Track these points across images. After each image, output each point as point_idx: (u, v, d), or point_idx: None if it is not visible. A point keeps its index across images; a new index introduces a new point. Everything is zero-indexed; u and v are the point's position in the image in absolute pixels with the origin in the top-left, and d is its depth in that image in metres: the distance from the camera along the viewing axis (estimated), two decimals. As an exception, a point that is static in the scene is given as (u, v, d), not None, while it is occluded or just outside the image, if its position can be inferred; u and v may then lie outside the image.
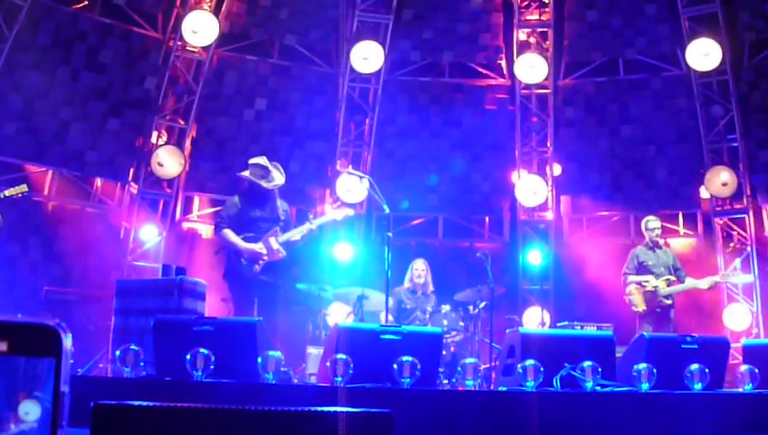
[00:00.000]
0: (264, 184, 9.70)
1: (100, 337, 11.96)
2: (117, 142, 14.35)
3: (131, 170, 14.56)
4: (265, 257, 9.55)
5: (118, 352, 7.12)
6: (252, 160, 9.90)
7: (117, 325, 9.62)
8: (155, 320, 7.63)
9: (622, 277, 12.13)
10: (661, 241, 12.57)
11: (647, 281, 11.86)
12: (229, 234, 9.63)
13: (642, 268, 12.00)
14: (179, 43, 14.80)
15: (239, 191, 10.11)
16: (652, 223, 12.26)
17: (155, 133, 14.78)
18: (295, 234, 9.83)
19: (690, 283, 11.97)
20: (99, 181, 14.51)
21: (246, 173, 9.82)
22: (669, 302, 11.81)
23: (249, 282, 9.56)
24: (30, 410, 1.45)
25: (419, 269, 12.21)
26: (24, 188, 10.56)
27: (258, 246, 9.55)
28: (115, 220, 14.53)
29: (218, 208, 15.34)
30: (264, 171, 9.77)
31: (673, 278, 11.90)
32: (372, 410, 3.45)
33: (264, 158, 9.92)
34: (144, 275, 13.66)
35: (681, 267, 12.16)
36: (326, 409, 3.40)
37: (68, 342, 1.47)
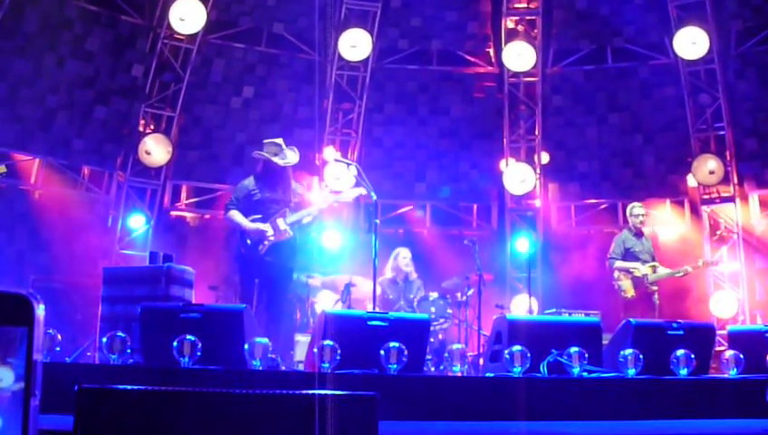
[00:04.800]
0: (276, 160, 9.57)
1: (88, 325, 11.93)
2: (104, 130, 14.33)
3: (118, 159, 14.53)
4: (271, 238, 9.41)
5: (104, 340, 7.09)
6: (267, 140, 9.83)
7: (104, 313, 9.56)
8: (142, 307, 7.60)
9: (608, 262, 12.22)
10: (646, 229, 12.62)
11: (635, 268, 11.92)
12: (235, 214, 9.55)
13: (629, 254, 12.08)
14: (167, 30, 14.71)
15: (253, 173, 9.92)
16: (638, 209, 12.34)
17: (142, 121, 14.72)
18: (305, 214, 9.70)
19: (671, 270, 12.06)
20: (86, 169, 14.46)
21: (260, 152, 9.71)
22: (655, 288, 11.90)
23: (254, 263, 9.46)
24: (3, 377, 1.44)
25: (407, 257, 12.25)
26: (2, 169, 10.49)
27: (264, 226, 9.43)
28: (102, 209, 14.50)
29: (205, 197, 15.39)
30: (278, 148, 9.66)
31: (658, 265, 11.98)
32: (358, 392, 3.45)
33: (281, 139, 9.83)
34: (132, 263, 13.63)
35: (655, 256, 12.28)
36: (312, 392, 3.40)
37: (40, 311, 1.45)
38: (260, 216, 9.50)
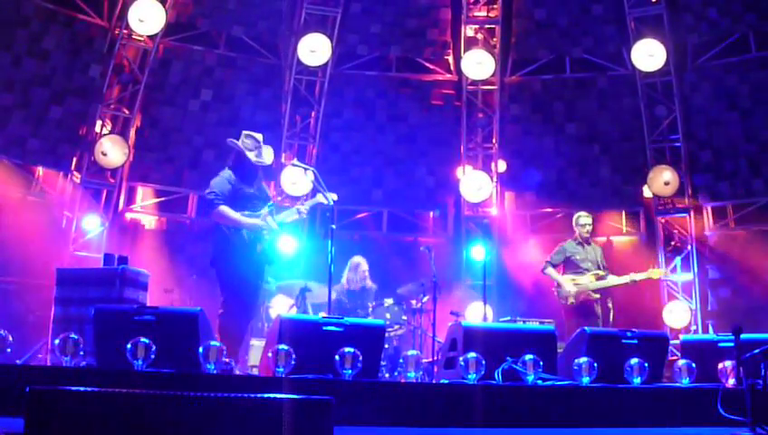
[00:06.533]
0: (251, 156, 8.91)
1: (41, 327, 11.80)
2: (60, 131, 14.15)
3: (74, 159, 14.37)
4: (267, 236, 8.85)
5: (57, 341, 7.01)
6: (247, 132, 9.17)
7: (57, 315, 9.44)
8: (95, 309, 7.52)
9: (543, 264, 12.25)
10: (593, 239, 12.68)
11: (573, 279, 11.97)
12: (228, 210, 8.69)
13: (570, 263, 12.15)
14: (125, 31, 14.59)
15: (229, 165, 9.09)
16: (583, 219, 12.38)
17: (99, 122, 14.57)
18: (288, 215, 9.26)
19: (615, 280, 12.01)
20: (40, 170, 14.28)
21: (238, 142, 9.02)
22: (597, 296, 11.91)
23: (254, 263, 8.88)
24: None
25: (366, 270, 12.29)
26: None
27: (262, 223, 8.80)
28: (57, 210, 14.32)
29: (162, 199, 15.24)
30: (256, 144, 9.05)
31: (602, 273, 11.99)
32: (313, 396, 3.44)
33: (261, 135, 9.21)
34: (86, 265, 13.46)
35: (605, 265, 12.26)
36: (267, 395, 3.38)
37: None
38: (248, 212, 8.84)
